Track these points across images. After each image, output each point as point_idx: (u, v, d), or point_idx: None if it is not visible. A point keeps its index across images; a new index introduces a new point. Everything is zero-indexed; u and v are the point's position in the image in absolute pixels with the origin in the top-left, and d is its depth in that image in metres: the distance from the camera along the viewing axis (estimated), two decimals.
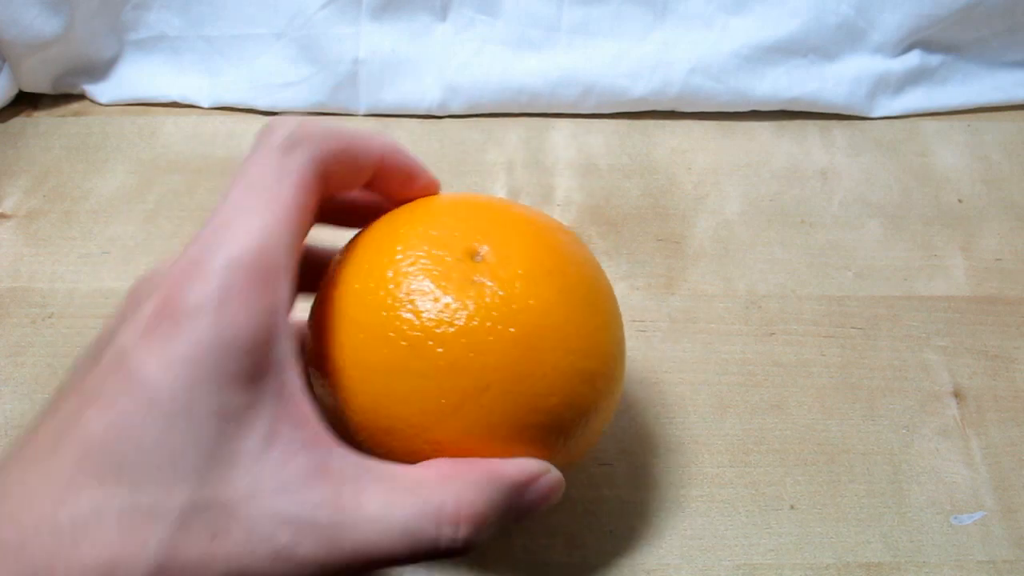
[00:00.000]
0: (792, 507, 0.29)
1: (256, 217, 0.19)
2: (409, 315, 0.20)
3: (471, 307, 0.20)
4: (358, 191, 0.24)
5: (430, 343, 0.20)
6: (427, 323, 0.20)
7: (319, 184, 0.21)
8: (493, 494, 0.20)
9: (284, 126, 0.20)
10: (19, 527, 0.17)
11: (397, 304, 0.20)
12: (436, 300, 0.20)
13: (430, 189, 0.25)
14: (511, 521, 0.21)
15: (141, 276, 0.21)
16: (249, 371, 0.18)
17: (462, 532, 0.19)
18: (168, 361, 0.17)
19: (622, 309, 0.35)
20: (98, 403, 0.18)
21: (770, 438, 0.31)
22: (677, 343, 0.33)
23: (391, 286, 0.21)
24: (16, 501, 0.17)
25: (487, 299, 0.20)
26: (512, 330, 0.20)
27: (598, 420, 0.23)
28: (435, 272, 0.21)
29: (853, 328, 0.34)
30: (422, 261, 0.21)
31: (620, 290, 0.35)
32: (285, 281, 0.19)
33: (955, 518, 0.29)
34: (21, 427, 0.31)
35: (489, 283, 0.20)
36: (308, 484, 0.18)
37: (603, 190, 0.39)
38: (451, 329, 0.20)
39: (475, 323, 0.20)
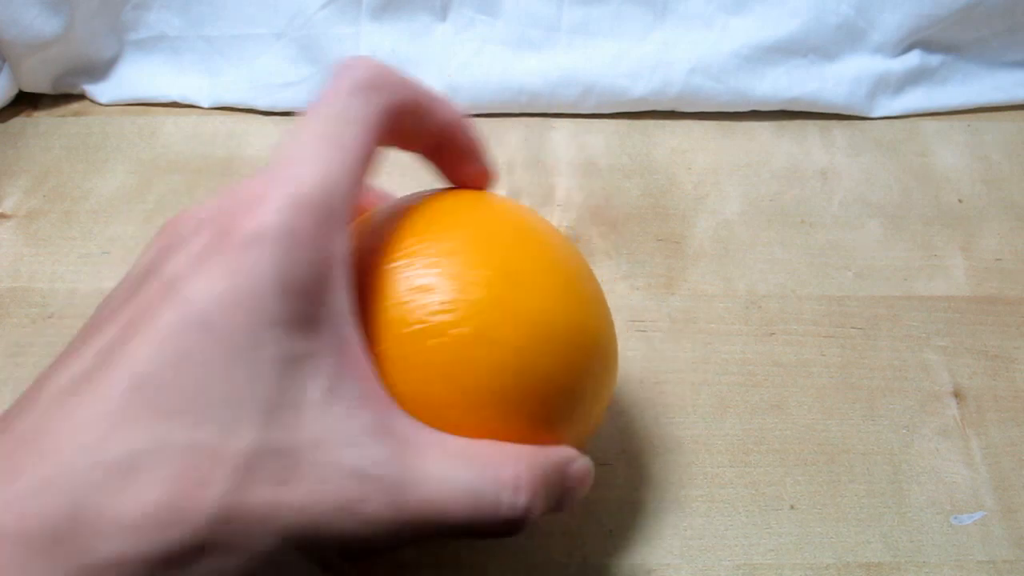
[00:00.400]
0: (792, 507, 0.29)
1: (322, 159, 0.18)
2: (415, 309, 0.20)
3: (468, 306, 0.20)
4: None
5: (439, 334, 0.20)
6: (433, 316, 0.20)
7: (385, 135, 0.20)
8: (545, 467, 0.20)
9: (362, 67, 0.19)
10: (61, 463, 0.15)
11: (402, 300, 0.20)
12: (439, 296, 0.20)
13: (481, 179, 0.24)
14: (556, 502, 0.21)
15: (175, 217, 0.19)
16: (312, 318, 0.17)
17: (522, 499, 0.19)
18: (228, 292, 0.16)
19: (622, 309, 0.35)
20: (147, 332, 0.16)
21: (770, 438, 0.31)
22: (677, 343, 0.33)
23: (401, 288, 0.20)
24: (55, 436, 0.15)
25: (483, 298, 0.20)
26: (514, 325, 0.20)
27: (601, 400, 0.23)
28: (436, 270, 0.21)
29: (853, 328, 0.34)
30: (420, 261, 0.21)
31: (620, 290, 0.35)
32: (343, 230, 0.18)
33: (955, 518, 0.29)
34: None
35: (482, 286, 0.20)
36: (374, 439, 0.17)
37: (603, 190, 0.39)
38: (456, 326, 0.20)
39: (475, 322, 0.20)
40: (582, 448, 0.23)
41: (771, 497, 0.29)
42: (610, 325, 0.24)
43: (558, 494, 0.21)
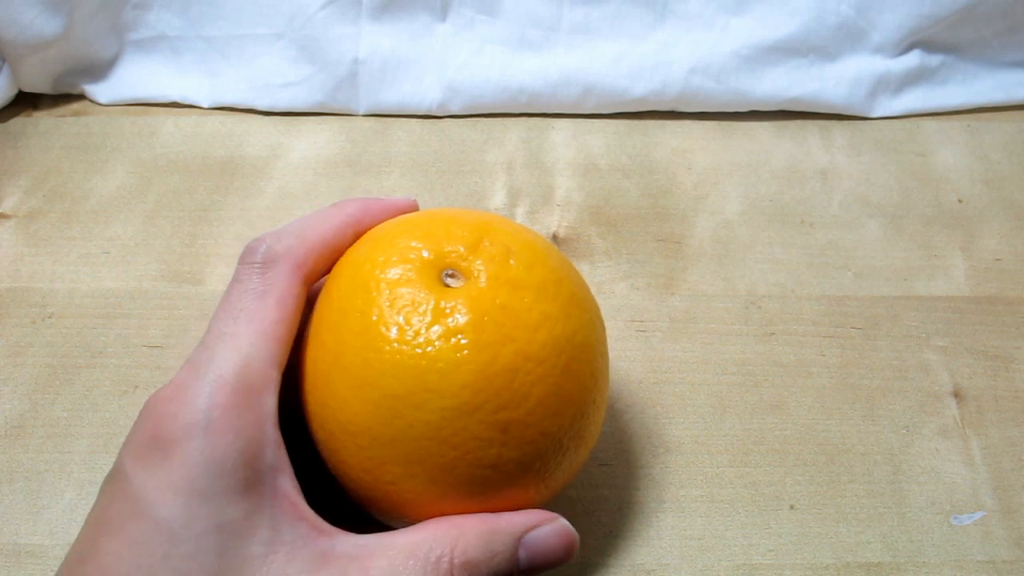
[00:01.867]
0: (792, 507, 0.29)
1: (237, 341, 0.21)
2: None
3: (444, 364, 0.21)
4: None
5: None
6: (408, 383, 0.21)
7: (303, 286, 0.23)
8: (490, 540, 0.21)
9: (260, 245, 0.23)
10: None
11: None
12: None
13: (406, 207, 0.26)
14: (518, 573, 0.21)
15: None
16: (243, 483, 0.19)
17: None
18: (166, 485, 0.19)
19: (622, 309, 0.35)
20: (109, 530, 0.19)
21: (770, 438, 0.31)
22: (677, 343, 0.33)
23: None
24: None
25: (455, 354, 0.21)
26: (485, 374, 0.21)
27: (579, 452, 0.23)
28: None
29: (853, 328, 0.34)
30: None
31: (620, 290, 0.35)
32: (270, 392, 0.21)
33: (955, 518, 0.29)
34: (20, 427, 0.31)
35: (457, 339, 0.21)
36: (315, 573, 0.20)
37: (603, 190, 0.39)
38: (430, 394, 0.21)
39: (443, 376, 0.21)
40: (563, 488, 0.24)
41: (771, 497, 0.29)
42: (594, 358, 0.23)
43: (517, 566, 0.21)
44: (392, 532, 0.21)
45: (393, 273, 0.22)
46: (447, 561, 0.20)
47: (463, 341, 0.21)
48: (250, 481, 0.20)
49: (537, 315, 0.22)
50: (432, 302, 0.21)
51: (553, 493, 0.24)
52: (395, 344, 0.21)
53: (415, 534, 0.21)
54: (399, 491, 0.21)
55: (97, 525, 0.20)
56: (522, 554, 0.21)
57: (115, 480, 0.20)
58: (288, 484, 0.21)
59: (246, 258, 0.23)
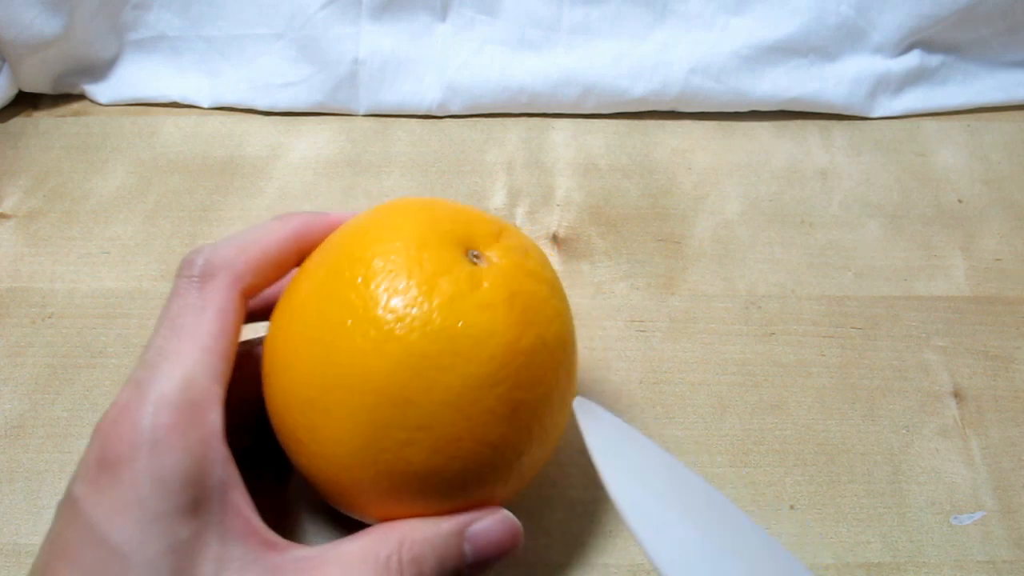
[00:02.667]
0: (792, 507, 0.29)
1: (179, 358, 0.21)
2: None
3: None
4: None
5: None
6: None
7: (242, 300, 0.23)
8: (434, 536, 0.21)
9: (198, 258, 0.22)
10: None
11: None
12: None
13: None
14: (466, 568, 0.22)
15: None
16: (192, 502, 0.20)
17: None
18: (116, 509, 0.19)
19: (622, 309, 0.35)
20: (63, 556, 0.19)
21: (770, 438, 0.31)
22: (677, 343, 0.33)
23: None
24: None
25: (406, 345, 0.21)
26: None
27: (535, 454, 0.23)
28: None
29: (853, 328, 0.34)
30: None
31: (620, 290, 0.35)
32: (215, 408, 0.21)
33: (955, 518, 0.29)
34: (20, 427, 0.31)
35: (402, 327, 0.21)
36: None
37: (603, 190, 0.39)
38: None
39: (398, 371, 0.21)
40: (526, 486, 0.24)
41: (771, 497, 0.29)
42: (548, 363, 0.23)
43: (462, 561, 0.22)
44: (340, 541, 0.21)
45: (424, 240, 0.22)
46: (396, 560, 0.21)
47: (496, 314, 0.21)
48: (199, 499, 0.20)
49: (551, 309, 0.23)
50: (465, 271, 0.22)
51: (517, 492, 0.24)
52: (430, 304, 0.21)
53: (363, 540, 0.21)
54: (390, 462, 0.21)
55: (52, 551, 0.20)
56: (467, 547, 0.22)
57: (67, 505, 0.20)
58: (239, 499, 0.21)
59: (184, 271, 0.22)
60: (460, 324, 0.21)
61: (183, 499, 0.19)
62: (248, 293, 0.23)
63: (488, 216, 0.25)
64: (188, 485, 0.20)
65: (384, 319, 0.21)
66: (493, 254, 0.23)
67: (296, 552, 0.21)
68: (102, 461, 0.20)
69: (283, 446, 0.23)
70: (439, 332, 0.21)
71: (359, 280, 0.21)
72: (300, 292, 0.23)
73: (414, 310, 0.21)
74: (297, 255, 0.24)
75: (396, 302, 0.21)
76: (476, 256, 0.23)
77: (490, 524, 0.22)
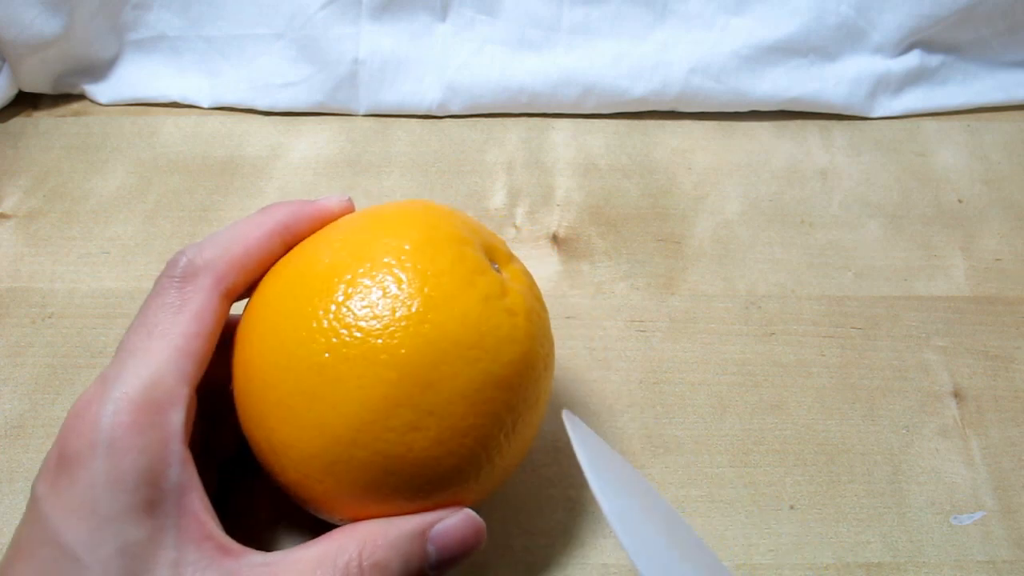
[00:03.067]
0: (792, 507, 0.29)
1: (148, 356, 0.21)
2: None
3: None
4: None
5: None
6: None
7: (223, 300, 0.23)
8: (396, 538, 0.21)
9: (181, 258, 0.22)
10: None
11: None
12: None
13: (347, 210, 0.26)
14: (430, 568, 0.22)
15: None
16: (146, 503, 0.19)
17: None
18: (71, 508, 0.19)
19: (622, 309, 0.35)
20: (21, 555, 0.19)
21: (770, 438, 0.31)
22: (677, 343, 0.33)
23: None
24: None
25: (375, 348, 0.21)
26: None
27: (507, 452, 0.23)
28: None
29: (853, 328, 0.34)
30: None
31: (620, 290, 0.35)
32: (178, 409, 0.21)
33: (955, 518, 0.29)
34: (20, 427, 0.31)
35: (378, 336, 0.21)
36: None
37: (603, 190, 0.39)
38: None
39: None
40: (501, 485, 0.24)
41: (771, 497, 0.29)
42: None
43: (426, 562, 0.21)
44: (299, 546, 0.21)
45: (462, 238, 0.23)
46: (356, 565, 0.20)
47: (519, 323, 0.22)
48: (153, 501, 0.20)
49: (549, 332, 0.25)
50: (497, 277, 0.23)
51: (485, 496, 0.24)
52: (467, 297, 0.21)
53: (322, 544, 0.21)
54: (390, 444, 0.21)
55: (15, 548, 0.20)
56: (431, 548, 0.21)
57: (30, 503, 0.20)
58: (196, 503, 0.20)
59: (166, 271, 0.22)
60: (491, 323, 0.21)
61: (136, 500, 0.19)
62: (231, 293, 0.23)
63: (499, 237, 0.26)
64: (143, 486, 0.19)
65: (428, 297, 0.21)
66: (507, 273, 0.24)
67: (252, 557, 0.21)
68: (61, 459, 0.20)
69: (251, 433, 0.23)
70: (474, 326, 0.21)
71: (402, 257, 0.22)
72: (317, 262, 0.23)
73: (453, 298, 0.21)
74: (283, 247, 0.24)
75: (435, 288, 0.21)
76: (496, 269, 0.24)
77: (453, 523, 0.22)
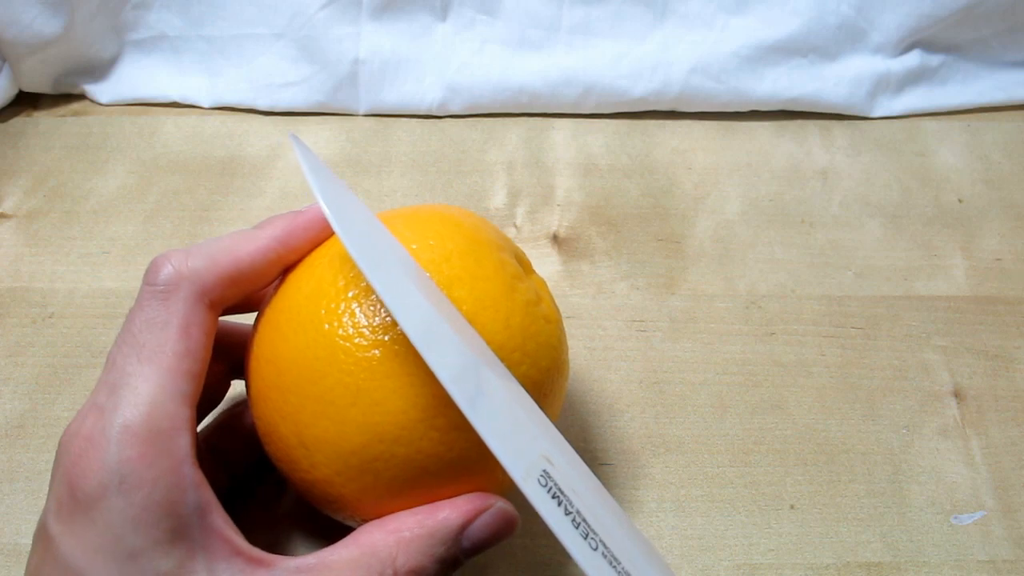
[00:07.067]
0: (792, 507, 0.29)
1: (142, 382, 0.20)
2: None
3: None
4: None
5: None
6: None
7: (209, 312, 0.22)
8: (430, 544, 0.21)
9: (164, 266, 0.21)
10: None
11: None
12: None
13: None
14: (462, 561, 0.21)
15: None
16: (170, 533, 0.19)
17: None
18: (94, 547, 0.19)
19: (622, 309, 0.35)
20: None
21: (770, 438, 0.31)
22: (677, 343, 0.33)
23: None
24: None
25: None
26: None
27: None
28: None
29: (853, 328, 0.34)
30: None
31: (620, 290, 0.35)
32: (183, 432, 0.20)
33: (955, 518, 0.29)
34: (21, 427, 0.31)
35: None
36: None
37: (603, 190, 0.39)
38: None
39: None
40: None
41: (771, 497, 0.29)
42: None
43: (461, 556, 0.21)
44: (328, 549, 0.21)
45: (500, 245, 0.24)
46: (391, 571, 0.20)
47: (553, 330, 0.23)
48: (176, 529, 0.19)
49: (565, 341, 0.25)
50: (532, 285, 0.23)
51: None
52: (512, 302, 0.22)
53: (353, 548, 0.21)
54: (435, 441, 0.21)
55: None
56: (465, 544, 0.21)
57: (43, 540, 0.20)
58: (218, 520, 0.20)
59: (149, 277, 0.21)
60: (532, 329, 0.22)
61: (160, 532, 0.19)
62: (216, 305, 0.22)
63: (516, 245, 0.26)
64: (163, 518, 0.19)
65: (477, 300, 0.21)
66: (534, 281, 0.25)
67: (285, 563, 0.20)
68: (73, 500, 0.19)
69: (276, 429, 0.22)
70: (517, 331, 0.22)
71: (452, 260, 0.22)
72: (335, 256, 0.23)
73: (498, 303, 0.22)
74: (279, 263, 0.23)
75: (483, 293, 0.22)
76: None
77: (487, 522, 0.22)
